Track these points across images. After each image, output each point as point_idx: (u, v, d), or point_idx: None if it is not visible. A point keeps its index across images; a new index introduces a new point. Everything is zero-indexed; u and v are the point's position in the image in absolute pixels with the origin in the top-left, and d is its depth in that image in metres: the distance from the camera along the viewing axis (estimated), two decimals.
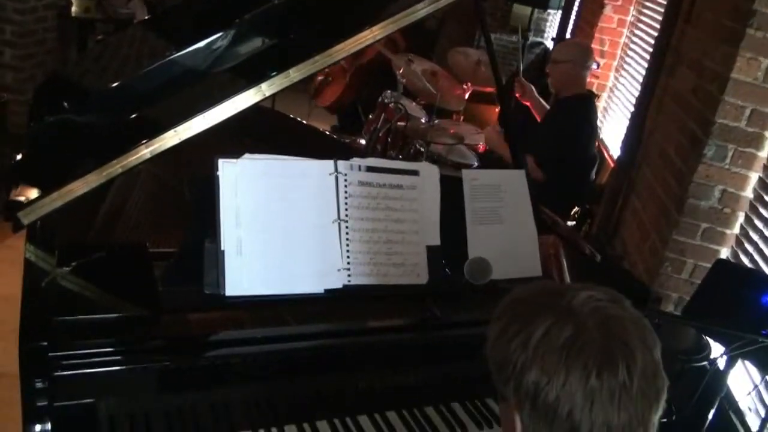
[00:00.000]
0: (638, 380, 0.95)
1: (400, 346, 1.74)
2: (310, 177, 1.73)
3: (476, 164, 3.79)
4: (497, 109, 4.86)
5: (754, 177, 2.63)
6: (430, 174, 1.86)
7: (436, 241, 1.84)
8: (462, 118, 4.42)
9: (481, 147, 4.08)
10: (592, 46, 4.86)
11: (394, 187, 1.81)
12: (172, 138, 1.74)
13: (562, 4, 5.63)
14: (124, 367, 1.47)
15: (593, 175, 3.86)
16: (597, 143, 4.45)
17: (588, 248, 2.19)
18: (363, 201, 1.77)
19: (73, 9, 4.92)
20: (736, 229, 2.69)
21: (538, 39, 7.47)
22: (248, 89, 1.82)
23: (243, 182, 1.67)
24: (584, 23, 5.26)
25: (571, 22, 5.62)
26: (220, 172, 1.66)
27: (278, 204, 1.69)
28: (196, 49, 2.17)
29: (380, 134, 3.22)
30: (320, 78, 5.61)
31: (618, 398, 0.94)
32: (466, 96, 4.35)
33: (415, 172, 1.85)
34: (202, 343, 1.58)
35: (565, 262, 2.16)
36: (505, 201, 1.96)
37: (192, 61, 2.20)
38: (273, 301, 1.66)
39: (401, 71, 3.64)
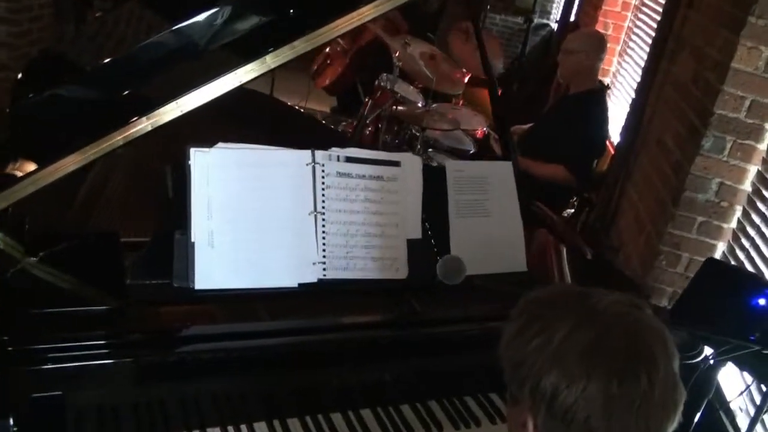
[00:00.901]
0: (659, 391, 0.93)
1: (376, 343, 1.69)
2: (285, 167, 1.67)
3: (473, 150, 3.72)
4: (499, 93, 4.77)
5: (752, 170, 2.55)
6: (412, 165, 1.80)
7: (417, 234, 1.78)
8: (461, 102, 4.33)
9: (480, 132, 4.00)
10: (596, 29, 4.77)
11: (373, 178, 1.75)
12: (173, 111, 1.66)
13: None
14: (89, 363, 1.43)
15: (594, 164, 3.79)
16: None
17: (581, 244, 2.13)
18: (341, 193, 1.71)
19: None
20: (734, 224, 2.62)
21: (544, 21, 7.37)
22: (252, 61, 1.75)
23: (215, 172, 1.61)
24: (588, 6, 5.16)
25: (576, 4, 5.50)
26: (191, 161, 1.61)
27: (252, 195, 1.64)
28: (195, 23, 2.12)
29: (368, 120, 3.14)
30: (320, 59, 5.54)
31: (637, 408, 0.92)
32: (465, 80, 4.26)
33: (396, 163, 1.79)
34: (170, 338, 1.53)
35: (565, 259, 2.11)
36: (491, 194, 1.90)
37: (192, 35, 2.13)
38: (246, 294, 1.61)
39: (397, 54, 3.56)
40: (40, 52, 4.06)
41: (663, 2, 3.35)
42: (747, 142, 2.52)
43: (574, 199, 3.97)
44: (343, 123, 4.20)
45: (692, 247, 2.66)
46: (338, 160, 1.72)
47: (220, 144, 1.64)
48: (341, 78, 5.08)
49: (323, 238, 1.67)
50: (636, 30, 4.42)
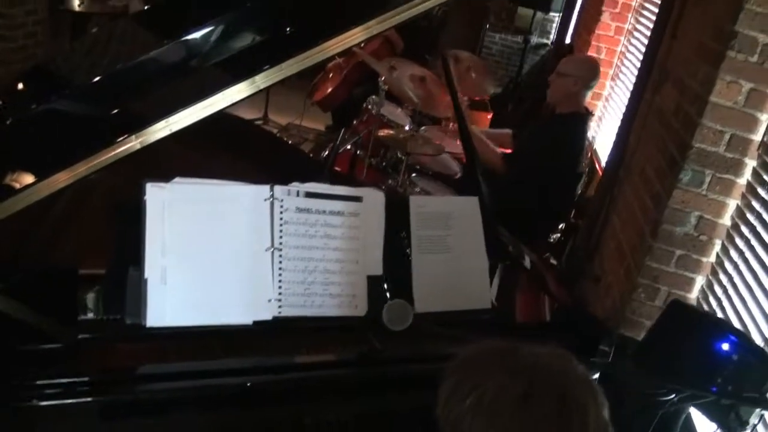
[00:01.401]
0: None
1: (334, 381, 1.66)
2: (243, 203, 1.65)
3: (459, 174, 3.70)
4: (489, 116, 4.77)
5: (732, 204, 2.52)
6: (374, 201, 1.78)
7: (378, 270, 1.76)
8: (452, 124, 4.31)
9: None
10: (589, 53, 4.76)
11: (334, 213, 1.73)
12: (162, 129, 1.68)
13: (562, 7, 5.51)
14: (35, 403, 1.41)
15: (579, 190, 3.76)
16: (590, 155, 4.36)
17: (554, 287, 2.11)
18: (300, 228, 1.69)
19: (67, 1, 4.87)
20: (713, 258, 2.59)
21: (543, 40, 7.36)
22: (242, 81, 1.77)
23: (171, 208, 1.60)
24: (583, 29, 5.14)
25: (571, 27, 5.49)
26: (147, 197, 1.59)
27: (208, 231, 1.62)
28: (187, 41, 2.11)
29: (347, 145, 3.12)
30: (319, 75, 5.55)
31: None
32: None
33: (358, 199, 1.77)
34: (121, 377, 1.51)
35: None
36: (455, 229, 1.88)
37: (183, 53, 2.13)
38: (200, 331, 1.59)
39: (383, 78, 3.54)
40: (31, 67, 4.09)
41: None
42: (726, 176, 2.49)
43: (562, 225, 3.95)
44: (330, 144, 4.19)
45: (670, 280, 2.63)
46: (298, 195, 1.70)
47: (177, 179, 1.62)
48: (334, 94, 5.07)
49: (280, 274, 1.65)
50: (628, 55, 4.40)
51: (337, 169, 3.22)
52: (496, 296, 1.97)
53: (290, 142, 4.19)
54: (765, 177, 2.35)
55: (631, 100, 3.16)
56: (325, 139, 5.42)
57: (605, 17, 4.66)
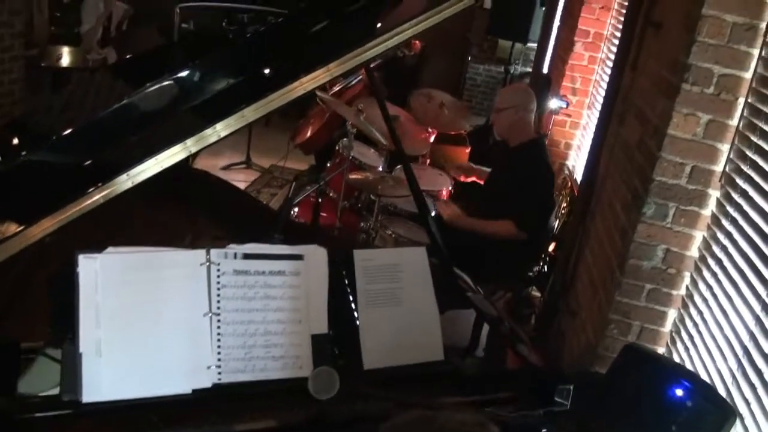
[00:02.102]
0: None
1: None
2: (178, 269, 1.62)
3: (434, 213, 3.66)
4: (467, 150, 4.75)
5: (698, 236, 2.48)
6: (316, 258, 1.74)
7: (323, 329, 1.72)
8: (428, 161, 4.30)
9: (444, 193, 3.96)
10: (564, 83, 4.75)
11: (274, 274, 1.70)
12: (124, 182, 1.70)
13: (538, 37, 5.53)
14: None
15: (553, 221, 3.73)
16: (570, 183, 4.33)
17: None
18: (238, 291, 1.65)
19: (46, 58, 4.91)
20: (683, 290, 2.54)
21: (528, 69, 7.38)
22: (201, 131, 1.79)
23: (104, 278, 1.56)
24: (558, 59, 5.14)
25: (548, 56, 5.49)
26: (79, 269, 1.56)
27: (143, 300, 1.58)
28: (156, 90, 2.11)
29: (310, 195, 3.09)
30: (302, 119, 5.57)
31: None
32: (431, 139, 4.22)
33: (299, 257, 1.73)
34: None
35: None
36: (403, 281, 1.83)
37: (151, 103, 2.13)
38: (138, 404, 1.54)
39: (349, 122, 3.54)
40: (8, 121, 4.10)
41: None
42: (690, 208, 2.46)
43: (546, 254, 3.90)
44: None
45: (642, 315, 2.58)
46: (235, 257, 1.67)
47: (109, 248, 1.59)
48: (315, 137, 5.07)
49: (218, 339, 1.61)
50: (603, 84, 4.39)
51: (300, 219, 3.22)
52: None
53: (259, 189, 4.15)
54: (728, 208, 2.32)
55: (596, 131, 3.14)
56: (306, 180, 5.41)
57: (578, 47, 4.66)
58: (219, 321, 1.62)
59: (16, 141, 2.26)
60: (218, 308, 1.62)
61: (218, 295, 1.63)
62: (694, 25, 2.30)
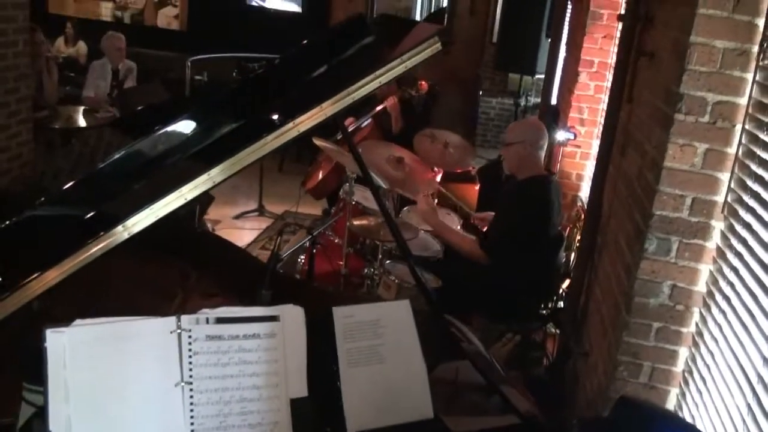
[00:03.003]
0: None
1: None
2: (148, 338, 1.57)
3: (441, 256, 3.61)
4: (476, 187, 4.69)
5: (705, 270, 2.38)
6: (293, 318, 1.69)
7: (302, 392, 1.66)
8: (436, 201, 4.24)
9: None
10: (572, 114, 4.69)
11: (249, 337, 1.64)
12: (121, 234, 1.71)
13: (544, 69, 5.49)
14: None
15: (562, 256, 3.64)
16: (583, 215, 4.24)
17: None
18: (211, 358, 1.60)
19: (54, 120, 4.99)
20: (693, 327, 2.43)
21: (539, 100, 7.34)
22: (195, 178, 1.79)
23: (72, 352, 1.51)
24: (565, 90, 5.08)
25: (555, 87, 5.45)
26: (47, 344, 1.52)
27: (113, 372, 1.53)
28: (154, 139, 2.11)
29: (305, 245, 3.06)
30: (313, 164, 5.58)
31: None
32: (439, 177, 4.18)
33: (274, 318, 1.67)
34: None
35: None
36: (386, 337, 1.76)
37: (150, 153, 2.13)
38: None
39: (349, 169, 3.51)
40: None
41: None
42: (694, 241, 2.37)
43: (560, 293, 3.81)
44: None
45: (652, 355, 2.48)
46: (207, 322, 1.62)
47: (77, 321, 1.55)
48: (324, 182, 5.06)
49: (191, 409, 1.56)
50: None
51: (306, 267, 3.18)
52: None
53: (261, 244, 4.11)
54: (732, 240, 2.22)
55: (597, 164, 3.07)
56: (319, 224, 5.39)
57: (583, 77, 4.61)
58: (191, 390, 1.57)
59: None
60: (190, 377, 1.57)
61: (190, 363, 1.58)
62: (683, 53, 2.24)
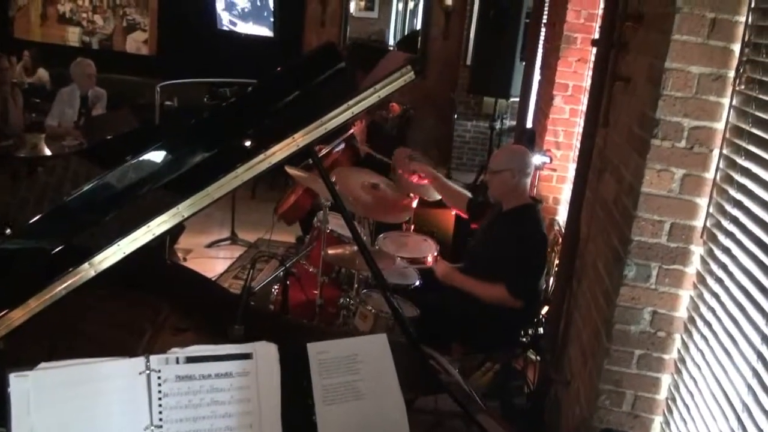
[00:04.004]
0: None
1: None
2: (116, 380, 1.53)
3: (417, 283, 3.59)
4: (453, 212, 4.69)
5: (685, 296, 2.39)
6: (266, 355, 1.65)
7: (276, 431, 1.62)
8: (413, 227, 4.23)
9: (430, 260, 3.88)
10: (547, 137, 4.72)
11: (221, 376, 1.61)
12: (87, 271, 1.69)
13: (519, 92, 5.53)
14: None
15: (543, 283, 3.64)
16: (560, 240, 4.25)
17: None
18: (182, 399, 1.56)
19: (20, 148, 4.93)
20: (675, 354, 2.43)
21: (514, 122, 7.39)
22: (162, 213, 1.77)
23: (37, 397, 1.47)
24: (540, 112, 5.13)
25: (531, 111, 5.49)
26: (11, 389, 1.47)
27: (79, 417, 1.49)
28: (121, 172, 2.07)
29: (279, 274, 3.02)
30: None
31: None
32: (414, 203, 4.18)
33: (247, 356, 1.64)
34: None
35: None
36: (363, 373, 1.73)
37: (116, 186, 2.09)
38: None
39: (323, 197, 3.50)
40: None
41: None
42: (674, 267, 2.37)
43: (539, 319, 3.80)
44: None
45: (635, 383, 2.47)
46: (177, 362, 1.58)
47: (42, 364, 1.51)
48: (296, 206, 5.04)
49: None
50: None
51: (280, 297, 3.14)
52: None
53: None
54: (712, 265, 2.23)
55: (574, 188, 3.08)
56: (293, 253, 5.36)
57: (558, 101, 4.64)
58: None
59: None
60: (160, 420, 1.53)
61: (160, 406, 1.54)
62: (658, 78, 2.26)
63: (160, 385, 1.55)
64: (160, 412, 1.54)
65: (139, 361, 1.56)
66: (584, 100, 4.55)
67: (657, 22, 2.36)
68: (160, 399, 1.54)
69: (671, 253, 2.36)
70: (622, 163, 2.61)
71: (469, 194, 4.08)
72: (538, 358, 3.58)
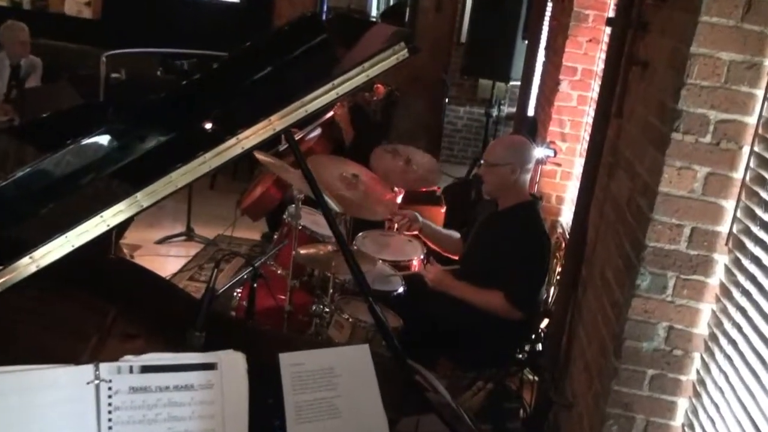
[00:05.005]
0: None
1: None
2: (60, 390, 1.55)
3: (401, 290, 3.61)
4: (442, 210, 4.73)
5: (706, 310, 2.43)
6: (232, 366, 1.68)
7: None
8: (395, 225, 4.25)
9: (416, 263, 3.91)
10: (551, 128, 4.77)
11: (180, 389, 1.63)
12: (27, 266, 1.69)
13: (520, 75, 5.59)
14: None
15: (543, 293, 3.69)
16: (564, 244, 4.30)
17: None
18: (135, 414, 1.58)
19: None
20: (693, 375, 2.48)
21: (513, 109, 7.46)
22: (118, 202, 1.78)
23: None
24: (543, 100, 5.18)
25: (533, 97, 5.54)
26: None
27: (20, 429, 1.50)
28: (67, 155, 2.08)
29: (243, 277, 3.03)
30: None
31: None
32: (399, 199, 4.20)
33: (210, 366, 1.66)
34: None
35: None
36: (342, 388, 1.76)
37: (62, 170, 2.09)
38: None
39: (295, 188, 3.51)
40: None
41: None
42: (693, 277, 2.41)
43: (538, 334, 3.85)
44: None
45: (646, 407, 2.51)
46: (131, 371, 1.60)
47: None
48: (262, 200, 5.05)
49: None
50: None
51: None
52: None
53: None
54: (739, 276, 2.27)
55: (581, 186, 3.12)
56: (259, 252, 5.36)
57: (564, 86, 4.69)
58: None
59: None
60: None
61: (110, 421, 1.56)
62: (682, 64, 2.29)
63: (110, 397, 1.57)
64: (110, 428, 1.55)
65: (87, 369, 1.57)
66: (595, 86, 4.60)
67: (683, 0, 2.40)
68: (110, 413, 1.56)
69: (691, 261, 2.40)
70: (637, 158, 2.64)
71: (457, 234, 4.07)
72: (536, 377, 3.63)
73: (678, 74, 2.32)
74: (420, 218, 3.90)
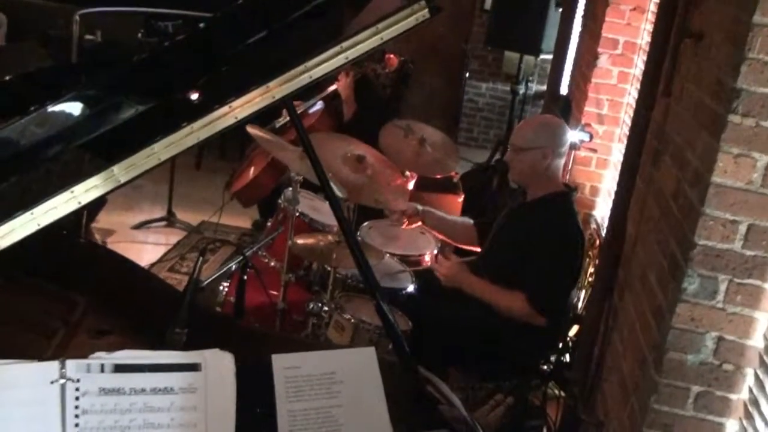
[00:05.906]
0: None
1: None
2: (20, 389, 1.56)
3: (410, 288, 3.61)
4: (459, 199, 4.72)
5: (762, 319, 2.42)
6: (219, 367, 1.68)
7: None
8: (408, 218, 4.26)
9: (428, 258, 3.90)
10: (587, 108, 4.75)
11: (159, 392, 1.63)
12: None
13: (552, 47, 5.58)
14: None
15: (575, 295, 3.68)
16: (598, 242, 4.30)
17: None
18: (105, 419, 1.58)
19: None
20: (745, 393, 2.47)
21: (543, 87, 7.45)
22: (93, 175, 1.77)
23: None
24: (579, 76, 5.16)
25: (566, 73, 5.53)
26: None
27: None
28: (34, 121, 2.09)
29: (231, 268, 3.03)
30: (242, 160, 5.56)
31: None
32: (410, 185, 4.20)
33: (194, 367, 1.66)
34: None
35: None
36: (344, 397, 1.76)
37: (28, 139, 2.10)
38: None
39: (293, 170, 3.50)
40: None
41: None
42: (749, 281, 2.40)
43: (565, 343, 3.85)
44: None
45: (690, 428, 2.51)
46: (102, 370, 1.60)
47: None
48: (255, 183, 5.05)
49: None
50: None
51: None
52: None
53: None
54: None
55: (621, 176, 3.11)
56: (249, 241, 5.37)
57: (603, 61, 4.67)
58: None
59: None
60: None
61: (76, 426, 1.57)
62: (743, 37, 2.27)
63: (77, 398, 1.58)
64: None
65: (51, 367, 1.58)
66: (639, 62, 4.59)
67: None
68: (76, 417, 1.57)
69: (747, 263, 2.39)
70: (687, 144, 2.63)
71: (470, 221, 4.09)
72: (563, 392, 3.63)
73: (738, 48, 2.30)
74: (420, 208, 3.90)
